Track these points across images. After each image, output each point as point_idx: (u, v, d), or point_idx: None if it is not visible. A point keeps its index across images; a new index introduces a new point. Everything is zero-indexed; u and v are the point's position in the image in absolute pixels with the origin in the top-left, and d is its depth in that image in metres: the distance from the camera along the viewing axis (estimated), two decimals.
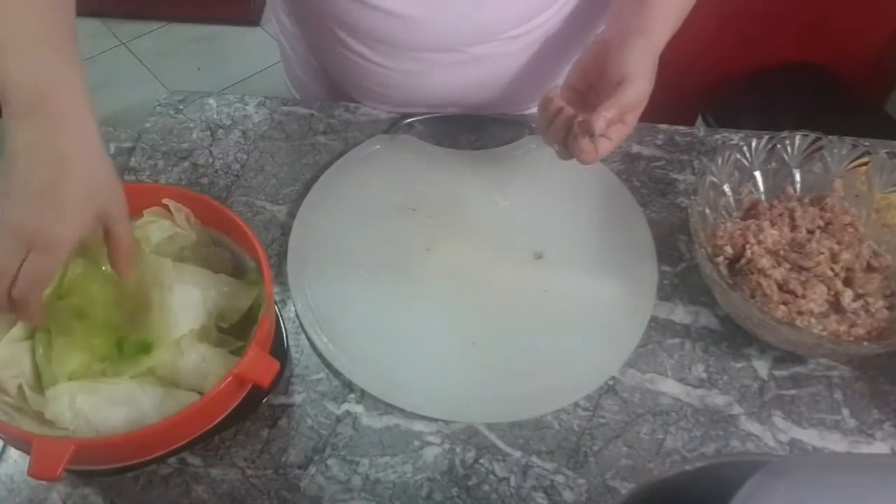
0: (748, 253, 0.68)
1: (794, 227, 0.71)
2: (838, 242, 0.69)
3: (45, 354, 0.60)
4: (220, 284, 0.64)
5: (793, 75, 1.57)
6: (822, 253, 0.68)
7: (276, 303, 0.67)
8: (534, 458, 0.62)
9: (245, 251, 0.66)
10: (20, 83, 0.50)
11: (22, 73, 0.50)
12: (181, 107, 0.90)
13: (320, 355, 0.68)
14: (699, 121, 1.53)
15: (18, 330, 0.62)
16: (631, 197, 0.79)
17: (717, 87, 1.57)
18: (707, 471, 0.39)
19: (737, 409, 0.65)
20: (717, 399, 0.66)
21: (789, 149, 0.73)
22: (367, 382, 0.66)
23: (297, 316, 0.71)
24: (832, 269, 0.67)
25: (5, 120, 0.50)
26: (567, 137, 0.67)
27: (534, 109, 0.91)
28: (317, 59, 0.92)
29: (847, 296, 0.66)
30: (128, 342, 0.60)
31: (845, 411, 0.65)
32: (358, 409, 0.66)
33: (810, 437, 0.64)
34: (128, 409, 0.57)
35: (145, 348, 0.58)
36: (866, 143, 0.72)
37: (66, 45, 0.53)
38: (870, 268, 0.69)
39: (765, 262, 0.67)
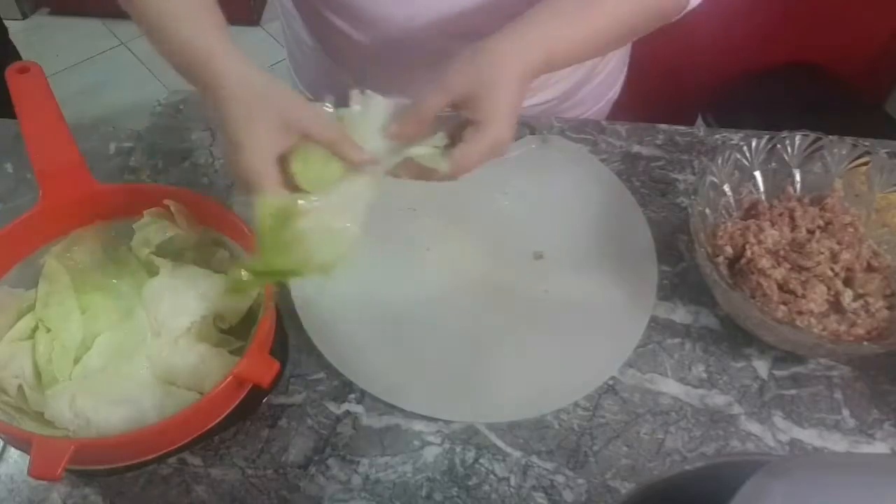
0: (748, 253, 0.68)
1: (794, 227, 0.71)
2: (838, 242, 0.69)
3: (45, 354, 0.61)
4: (220, 285, 0.64)
5: (793, 75, 1.57)
6: (822, 253, 0.68)
7: (276, 303, 0.67)
8: (534, 458, 0.62)
9: (245, 251, 0.66)
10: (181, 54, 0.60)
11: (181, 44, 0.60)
12: (181, 107, 0.90)
13: (320, 355, 0.68)
14: (699, 121, 1.53)
15: (18, 330, 0.62)
16: (631, 197, 0.79)
17: (717, 87, 1.57)
18: (707, 471, 0.39)
19: (737, 409, 0.65)
20: (717, 399, 0.66)
21: (789, 149, 0.73)
22: (367, 382, 0.66)
23: (297, 316, 0.71)
24: (832, 269, 0.67)
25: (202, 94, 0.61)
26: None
27: (534, 108, 0.90)
28: (314, 42, 0.91)
29: (847, 296, 0.66)
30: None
31: (845, 411, 0.65)
32: (358, 409, 0.66)
33: (810, 437, 0.64)
34: (128, 409, 0.57)
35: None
36: (866, 143, 0.72)
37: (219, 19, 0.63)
38: (870, 268, 0.69)
39: (765, 262, 0.67)
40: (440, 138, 0.63)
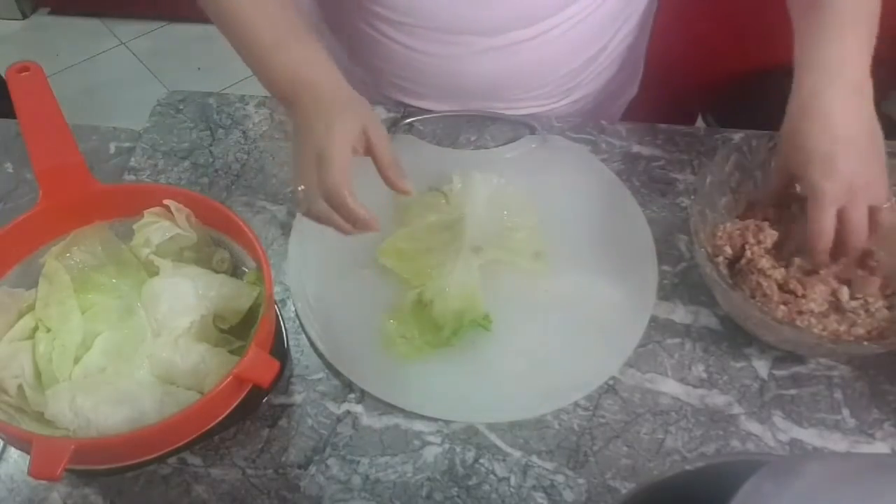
0: (748, 253, 0.68)
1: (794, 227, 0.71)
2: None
3: (45, 354, 0.61)
4: (220, 285, 0.64)
5: (792, 75, 1.57)
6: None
7: (276, 303, 0.67)
8: (534, 458, 0.62)
9: (245, 251, 0.66)
10: (284, 74, 0.66)
11: (285, 66, 0.66)
12: (181, 107, 0.90)
13: (320, 355, 0.68)
14: (699, 121, 1.53)
15: (18, 330, 0.62)
16: (631, 197, 0.79)
17: (717, 87, 1.56)
18: (707, 471, 0.39)
19: (737, 409, 0.65)
20: (717, 399, 0.66)
21: None
22: (367, 382, 0.66)
23: (297, 316, 0.71)
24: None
25: (283, 104, 0.68)
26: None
27: (550, 107, 0.91)
28: (341, 43, 0.91)
29: (844, 293, 0.66)
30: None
31: (845, 411, 0.65)
32: (358, 408, 0.66)
33: (810, 436, 0.64)
34: (128, 408, 0.57)
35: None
36: None
37: (304, 31, 0.68)
38: (869, 269, 0.68)
39: (765, 262, 0.67)
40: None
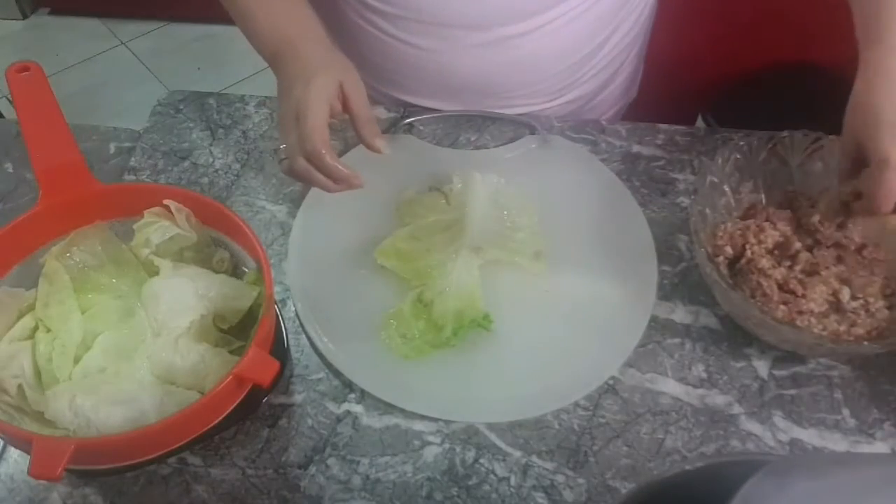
0: (748, 253, 0.68)
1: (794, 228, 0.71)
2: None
3: (45, 354, 0.61)
4: (220, 285, 0.64)
5: (793, 75, 1.57)
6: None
7: (276, 303, 0.67)
8: (534, 458, 0.62)
9: (245, 251, 0.66)
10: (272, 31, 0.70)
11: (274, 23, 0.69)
12: (181, 107, 0.90)
13: (320, 355, 0.68)
14: (699, 121, 1.53)
15: (18, 330, 0.62)
16: (631, 197, 0.79)
17: (717, 87, 1.57)
18: (707, 471, 0.39)
19: (737, 409, 0.65)
20: (717, 399, 0.66)
21: (789, 149, 0.73)
22: (367, 382, 0.66)
23: (297, 316, 0.71)
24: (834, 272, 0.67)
25: (269, 64, 0.71)
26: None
27: (543, 106, 0.90)
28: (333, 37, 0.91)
29: (845, 293, 0.66)
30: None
31: (845, 411, 0.65)
32: (358, 408, 0.66)
33: (810, 436, 0.64)
34: (128, 408, 0.57)
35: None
36: None
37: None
38: (870, 270, 0.68)
39: (765, 262, 0.67)
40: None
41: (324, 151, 0.63)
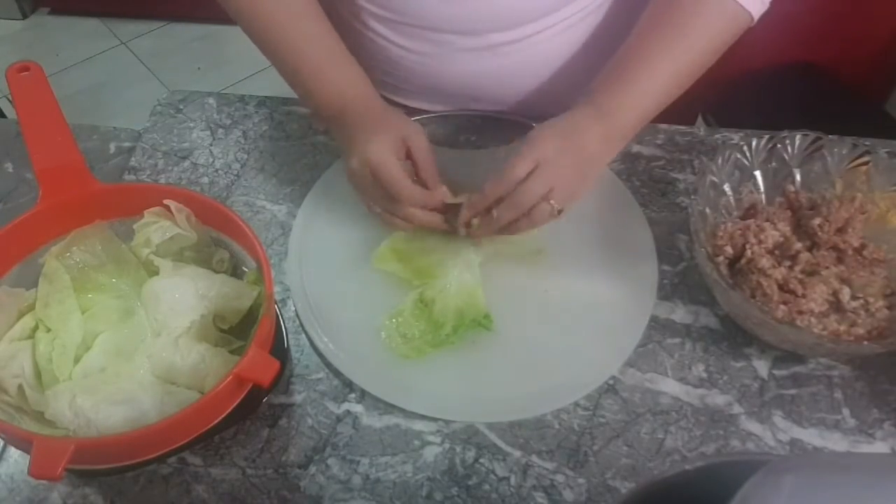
0: (748, 253, 0.68)
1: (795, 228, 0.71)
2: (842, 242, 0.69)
3: (45, 354, 0.61)
4: (220, 285, 0.64)
5: (793, 75, 1.57)
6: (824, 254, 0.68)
7: (276, 303, 0.67)
8: (534, 458, 0.62)
9: (245, 251, 0.66)
10: (332, 95, 0.73)
11: (333, 87, 0.73)
12: (181, 107, 0.90)
13: (320, 355, 0.68)
14: (699, 121, 1.53)
15: (18, 330, 0.62)
16: (631, 197, 0.79)
17: (717, 87, 1.57)
18: (707, 471, 0.39)
19: (737, 409, 0.65)
20: (717, 399, 0.66)
21: (789, 149, 0.73)
22: (367, 382, 0.66)
23: (297, 316, 0.71)
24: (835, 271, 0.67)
25: (326, 122, 0.75)
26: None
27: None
28: None
29: (846, 293, 0.66)
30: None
31: (845, 411, 0.65)
32: (358, 408, 0.66)
33: (810, 436, 0.64)
34: (128, 408, 0.57)
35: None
36: (866, 143, 0.72)
37: (345, 53, 0.75)
38: (871, 270, 0.68)
39: (765, 262, 0.67)
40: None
41: (417, 194, 0.68)
